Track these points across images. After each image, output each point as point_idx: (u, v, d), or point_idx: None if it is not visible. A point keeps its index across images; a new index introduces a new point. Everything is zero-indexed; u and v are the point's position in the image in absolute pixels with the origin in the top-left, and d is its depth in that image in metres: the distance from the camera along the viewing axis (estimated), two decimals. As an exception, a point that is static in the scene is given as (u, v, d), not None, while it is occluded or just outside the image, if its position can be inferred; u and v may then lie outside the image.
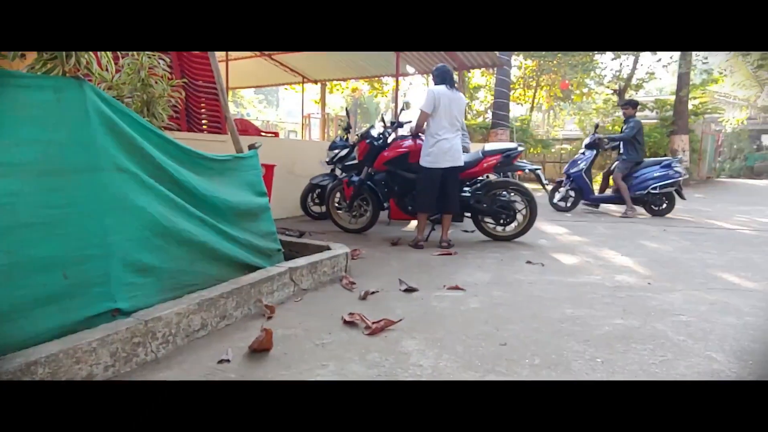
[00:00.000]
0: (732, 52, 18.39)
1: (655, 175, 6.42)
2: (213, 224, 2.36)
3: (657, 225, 5.75)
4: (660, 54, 14.74)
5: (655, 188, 6.40)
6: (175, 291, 2.08)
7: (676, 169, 6.42)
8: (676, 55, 13.13)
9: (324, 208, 5.38)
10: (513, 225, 4.46)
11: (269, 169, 4.55)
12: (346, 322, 2.23)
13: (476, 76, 17.04)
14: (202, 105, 5.20)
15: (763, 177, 18.15)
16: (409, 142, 4.44)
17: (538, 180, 4.60)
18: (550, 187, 6.78)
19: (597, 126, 7.59)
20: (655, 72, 15.51)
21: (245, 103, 26.87)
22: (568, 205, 6.97)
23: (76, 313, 1.73)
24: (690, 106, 13.06)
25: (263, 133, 7.93)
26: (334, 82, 14.06)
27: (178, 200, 2.19)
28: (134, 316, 1.79)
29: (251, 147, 2.91)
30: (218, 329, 2.10)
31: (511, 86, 13.71)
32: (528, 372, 1.75)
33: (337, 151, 5.31)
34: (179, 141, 2.36)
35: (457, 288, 2.85)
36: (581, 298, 2.69)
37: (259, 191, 2.82)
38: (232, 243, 2.47)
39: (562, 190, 6.97)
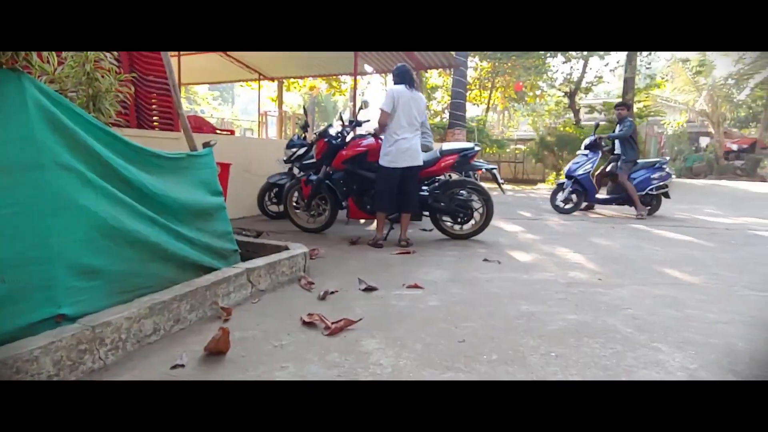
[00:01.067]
0: (672, 59, 19.43)
1: (653, 176, 6.59)
2: (165, 224, 2.28)
3: (606, 223, 6.00)
4: (608, 59, 15.37)
5: (652, 189, 6.57)
6: (125, 294, 1.99)
7: (667, 170, 6.70)
8: (623, 60, 13.72)
9: (282, 208, 5.29)
10: (470, 223, 4.54)
11: (225, 167, 4.42)
12: (305, 323, 2.20)
13: (434, 77, 17.22)
14: (153, 101, 4.99)
15: (700, 177, 19.25)
16: (367, 141, 4.44)
17: (494, 179, 4.69)
18: (506, 186, 6.87)
19: (597, 126, 7.43)
20: (603, 76, 16.18)
21: (199, 100, 26.05)
22: (571, 206, 6.86)
23: (17, 319, 1.62)
24: (635, 109, 13.69)
25: (218, 131, 7.72)
26: (292, 80, 13.87)
27: (126, 199, 2.09)
28: (80, 322, 1.70)
29: (206, 145, 2.82)
30: (171, 333, 2.02)
31: (468, 87, 13.95)
32: (486, 368, 1.78)
33: (294, 149, 5.24)
34: (128, 138, 2.26)
35: (416, 286, 2.87)
36: (536, 295, 2.77)
37: (214, 190, 2.74)
38: (185, 243, 2.39)
39: (565, 191, 6.83)
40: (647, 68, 15.18)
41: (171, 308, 2.03)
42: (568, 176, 6.82)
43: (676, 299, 2.71)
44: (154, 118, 5.01)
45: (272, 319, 2.26)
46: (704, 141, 22.52)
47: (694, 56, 20.10)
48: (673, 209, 7.74)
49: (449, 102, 13.02)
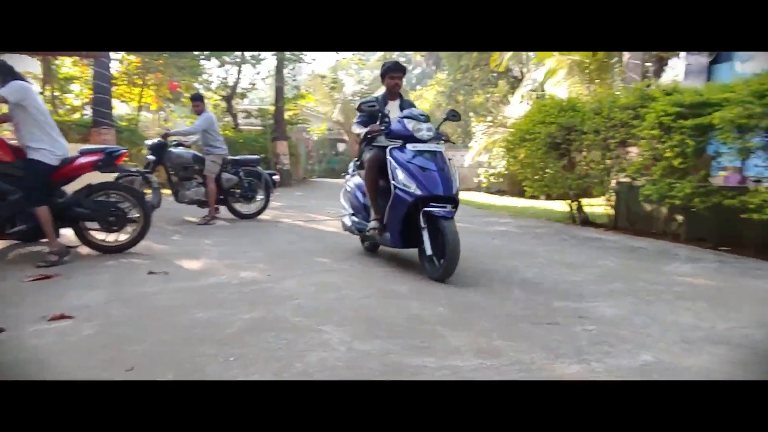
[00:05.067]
0: (312, 74, 22.27)
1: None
2: None
3: (269, 223, 6.39)
4: (259, 68, 16.37)
5: None
6: None
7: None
8: (273, 69, 14.88)
9: None
10: (127, 234, 4.01)
11: None
12: None
13: (68, 66, 14.57)
14: None
15: (342, 176, 22.78)
16: None
17: (148, 184, 4.34)
18: (163, 191, 6.30)
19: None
20: (256, 83, 17.11)
21: None
22: None
23: None
24: (286, 117, 15.07)
25: None
26: None
27: None
28: None
29: None
30: None
31: (114, 82, 12.42)
32: (162, 390, 1.63)
33: None
34: None
35: (63, 317, 2.36)
36: (210, 300, 2.71)
37: None
38: None
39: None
40: (294, 80, 16.84)
41: None
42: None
43: (332, 284, 3.12)
44: None
45: None
46: (341, 146, 26.71)
47: (328, 74, 23.58)
48: (323, 205, 8.87)
49: (92, 97, 11.27)
